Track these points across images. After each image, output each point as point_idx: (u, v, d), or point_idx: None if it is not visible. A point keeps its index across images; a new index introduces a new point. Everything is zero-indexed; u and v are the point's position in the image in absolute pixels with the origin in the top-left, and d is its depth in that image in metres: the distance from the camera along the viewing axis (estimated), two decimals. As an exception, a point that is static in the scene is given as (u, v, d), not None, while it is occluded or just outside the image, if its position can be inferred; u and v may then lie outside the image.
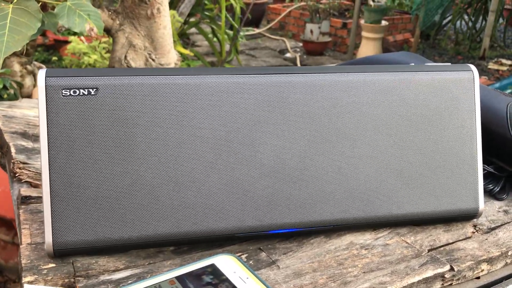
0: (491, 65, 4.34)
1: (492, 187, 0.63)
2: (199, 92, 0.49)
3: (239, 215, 0.50)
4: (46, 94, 0.46)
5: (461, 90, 0.55)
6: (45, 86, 0.46)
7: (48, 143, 0.46)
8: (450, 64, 0.57)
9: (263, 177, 0.50)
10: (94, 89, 0.47)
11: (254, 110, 0.50)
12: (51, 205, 0.47)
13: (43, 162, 0.46)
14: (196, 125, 0.49)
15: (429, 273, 0.48)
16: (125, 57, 1.41)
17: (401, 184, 0.54)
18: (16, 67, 2.00)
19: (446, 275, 0.48)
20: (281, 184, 0.51)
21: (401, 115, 0.54)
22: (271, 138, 0.51)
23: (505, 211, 0.60)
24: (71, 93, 0.47)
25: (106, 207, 0.48)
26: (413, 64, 0.57)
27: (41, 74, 0.46)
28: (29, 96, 1.98)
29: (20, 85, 1.91)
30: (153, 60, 1.41)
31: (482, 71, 4.16)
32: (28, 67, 2.03)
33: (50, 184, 0.47)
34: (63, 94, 0.46)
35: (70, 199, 0.47)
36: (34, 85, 2.00)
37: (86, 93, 0.47)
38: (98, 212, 0.47)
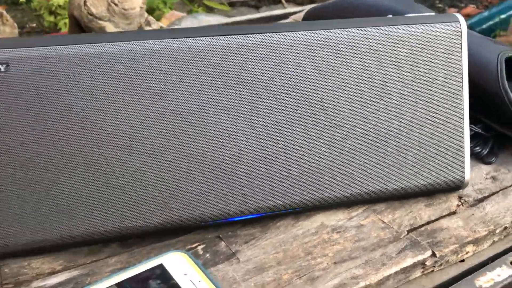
0: (480, -8, 4.19)
1: (479, 150, 0.56)
2: (134, 62, 0.41)
3: (193, 202, 0.44)
4: None
5: (446, 44, 0.48)
6: None
7: (-46, 133, 0.39)
8: (434, 14, 0.49)
9: (219, 158, 0.44)
10: (4, 65, 0.39)
11: (202, 81, 0.42)
12: (-34, 205, 0.40)
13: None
14: (133, 102, 0.41)
15: (408, 261, 0.42)
16: (85, 2, 1.29)
17: (378, 157, 0.47)
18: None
19: (427, 262, 0.43)
20: (240, 165, 0.44)
21: (376, 77, 0.46)
22: (225, 112, 0.43)
23: (493, 178, 0.54)
24: (-23, 71, 0.38)
25: (36, 201, 0.41)
26: (391, 15, 0.49)
27: None
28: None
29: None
30: (115, 4, 1.30)
31: (470, -1, 4.01)
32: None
33: (-38, 180, 0.39)
34: (-34, 73, 0.38)
35: (-10, 196, 0.40)
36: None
37: (-6, 70, 0.39)
38: (27, 208, 0.41)
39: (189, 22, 1.21)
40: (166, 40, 0.42)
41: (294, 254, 0.43)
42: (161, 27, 1.40)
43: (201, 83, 0.42)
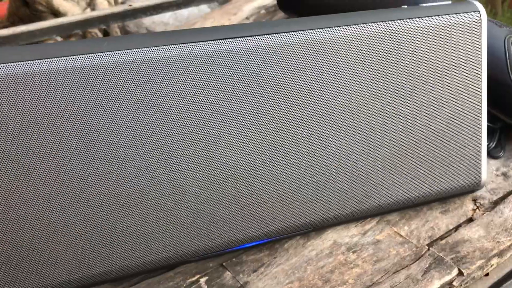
0: None
1: (488, 143, 0.53)
2: (113, 75, 0.34)
3: (189, 236, 0.38)
4: None
5: (465, 37, 0.43)
6: None
7: None
8: (450, 3, 0.43)
9: (216, 183, 0.38)
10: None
11: (192, 94, 0.36)
12: None
13: None
14: (118, 124, 0.34)
15: (435, 283, 0.39)
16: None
17: (392, 167, 0.42)
18: None
19: (454, 283, 0.40)
20: (242, 188, 0.38)
21: (390, 78, 0.41)
22: (222, 132, 0.37)
23: (504, 174, 0.51)
24: None
25: (8, 252, 0.34)
26: (405, 6, 0.44)
27: None
28: None
29: None
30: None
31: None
32: None
33: None
34: None
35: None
36: None
37: None
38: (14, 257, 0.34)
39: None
40: (167, 47, 0.35)
41: (310, 284, 0.39)
42: (114, -3, 1.28)
43: (197, 91, 0.36)
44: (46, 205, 0.34)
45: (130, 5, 0.85)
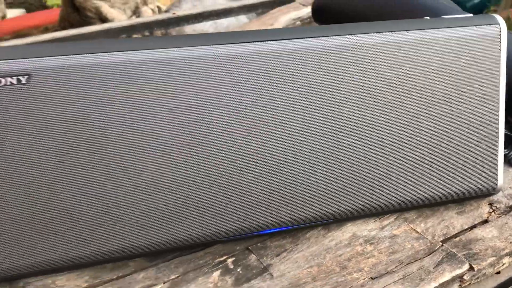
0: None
1: (506, 152, 0.55)
2: (166, 71, 0.38)
3: (219, 217, 0.42)
4: (-40, 86, 0.35)
5: (484, 49, 0.45)
6: (-41, 75, 0.35)
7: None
8: (471, 15, 0.46)
9: (244, 169, 0.41)
10: (26, 76, 0.36)
11: (228, 88, 0.40)
12: (-16, 225, 0.37)
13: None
14: (162, 113, 0.39)
15: (446, 275, 0.41)
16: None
17: (410, 166, 0.45)
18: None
19: (465, 276, 0.42)
20: (267, 176, 0.42)
21: (408, 84, 0.44)
22: (248, 123, 0.41)
23: (523, 182, 0.53)
24: (-4, 82, 0.35)
25: (53, 221, 0.38)
26: (428, 17, 0.47)
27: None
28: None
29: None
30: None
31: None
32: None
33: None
34: (-16, 85, 0.35)
35: (5, 215, 0.37)
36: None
37: (15, 81, 0.36)
38: (43, 228, 0.38)
39: (190, 4, 1.18)
40: (190, 48, 0.39)
41: (328, 269, 0.42)
42: (158, 6, 1.35)
43: (215, 91, 0.40)
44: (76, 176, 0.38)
45: (174, 13, 0.90)
